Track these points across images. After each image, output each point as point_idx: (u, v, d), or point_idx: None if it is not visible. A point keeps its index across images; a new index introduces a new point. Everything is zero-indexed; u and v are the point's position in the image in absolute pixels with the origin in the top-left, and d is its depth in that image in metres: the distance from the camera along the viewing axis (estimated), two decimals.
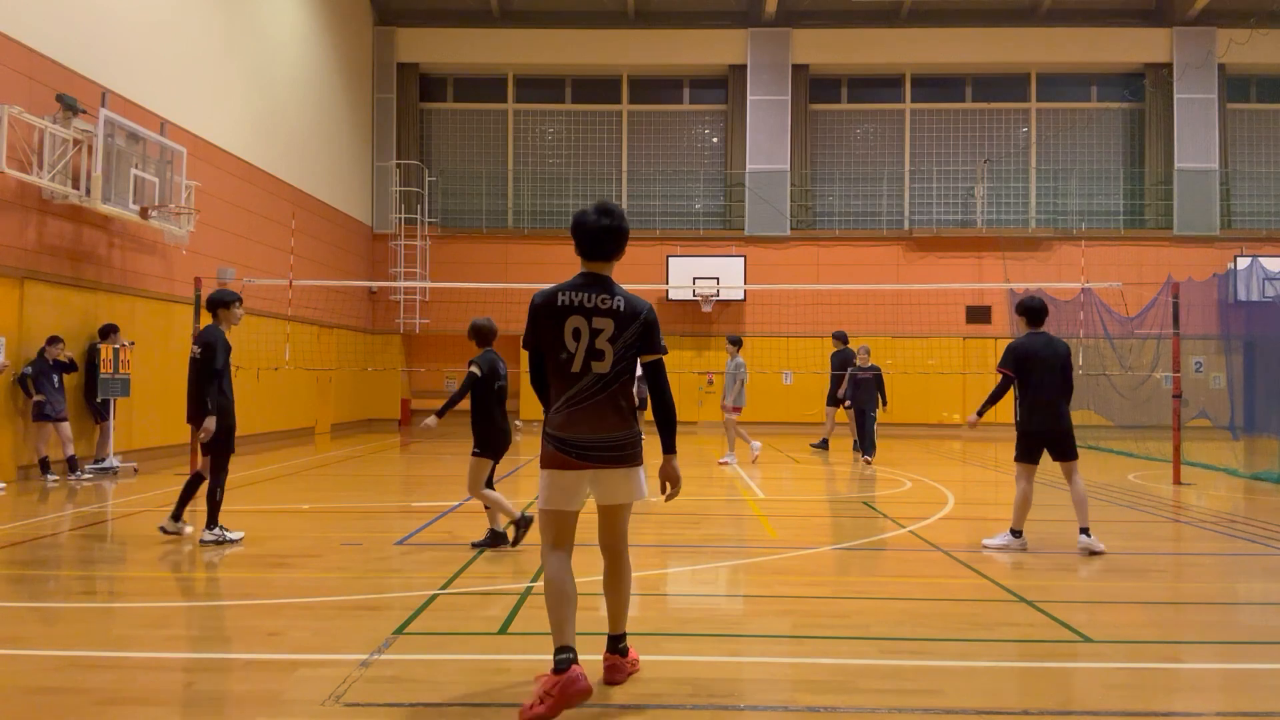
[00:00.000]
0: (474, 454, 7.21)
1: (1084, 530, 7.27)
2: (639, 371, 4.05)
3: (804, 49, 23.80)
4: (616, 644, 4.25)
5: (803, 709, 3.89)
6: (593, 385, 4.00)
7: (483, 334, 7.34)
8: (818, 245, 23.52)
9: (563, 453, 4.01)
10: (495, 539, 7.30)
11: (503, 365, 7.40)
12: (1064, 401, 7.32)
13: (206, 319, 7.83)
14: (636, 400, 4.26)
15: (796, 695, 4.08)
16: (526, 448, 17.53)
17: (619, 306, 4.00)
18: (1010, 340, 7.62)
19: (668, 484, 4.14)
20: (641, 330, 4.02)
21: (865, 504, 10.21)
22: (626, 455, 4.03)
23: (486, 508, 7.41)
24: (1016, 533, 7.41)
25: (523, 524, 7.26)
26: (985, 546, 7.41)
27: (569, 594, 3.99)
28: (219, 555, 7.06)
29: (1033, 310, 7.48)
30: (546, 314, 4.02)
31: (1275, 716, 3.92)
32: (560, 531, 4.07)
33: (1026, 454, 7.42)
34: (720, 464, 14.08)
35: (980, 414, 7.60)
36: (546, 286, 4.14)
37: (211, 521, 7.41)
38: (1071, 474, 7.39)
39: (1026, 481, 7.40)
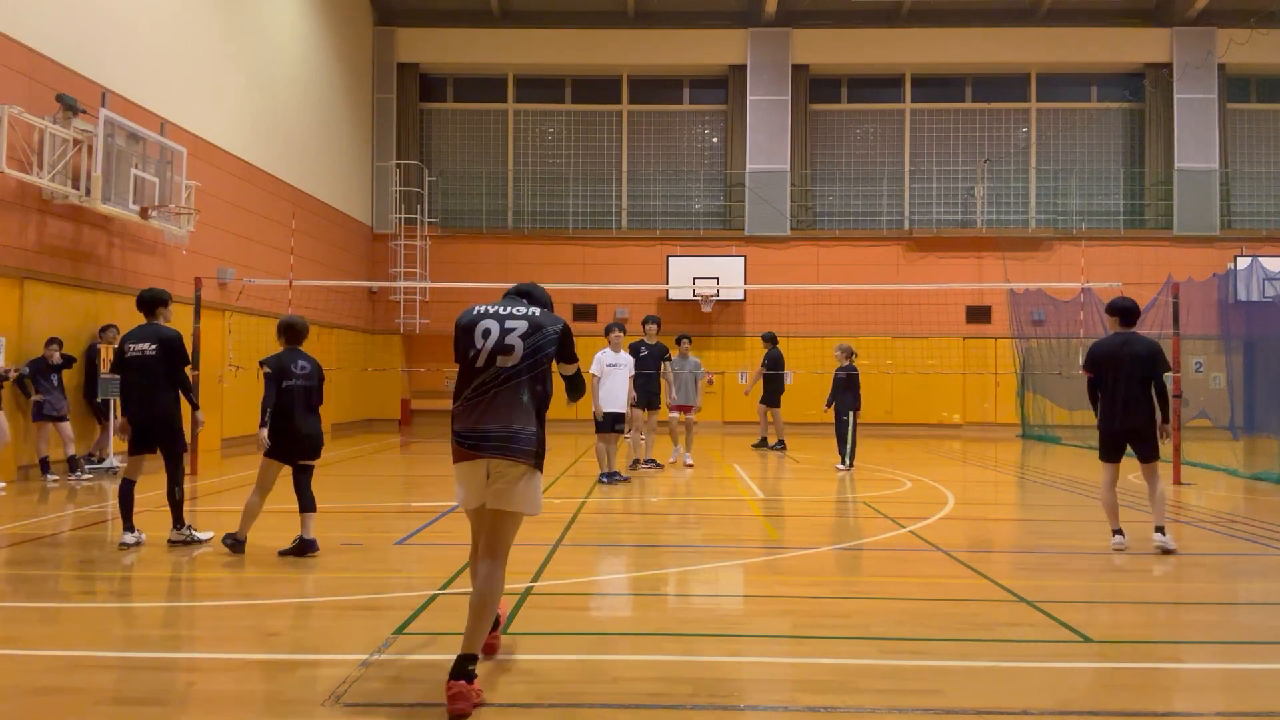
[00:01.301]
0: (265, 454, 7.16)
1: (1159, 529, 7.31)
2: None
3: (804, 49, 23.80)
4: (464, 665, 3.81)
5: (803, 709, 3.89)
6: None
7: (287, 332, 7.26)
8: (818, 245, 23.52)
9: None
10: (302, 547, 6.98)
11: (304, 365, 7.15)
12: (1144, 401, 7.26)
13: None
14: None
15: (796, 695, 4.09)
16: None
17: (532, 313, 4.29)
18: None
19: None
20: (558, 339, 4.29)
21: (865, 504, 10.21)
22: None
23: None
24: (1116, 531, 7.37)
25: (237, 546, 7.05)
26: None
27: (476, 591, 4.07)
28: (221, 553, 7.05)
29: (1122, 310, 7.51)
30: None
31: (1275, 716, 3.92)
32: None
33: (1102, 452, 7.51)
34: (688, 465, 13.94)
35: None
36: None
37: (178, 521, 7.36)
38: (1151, 475, 7.43)
39: (1106, 481, 7.44)
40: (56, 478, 11.37)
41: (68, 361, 11.72)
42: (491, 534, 4.12)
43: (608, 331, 11.71)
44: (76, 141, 11.85)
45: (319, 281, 18.73)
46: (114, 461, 12.16)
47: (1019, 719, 3.79)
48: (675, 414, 14.17)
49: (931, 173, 24.26)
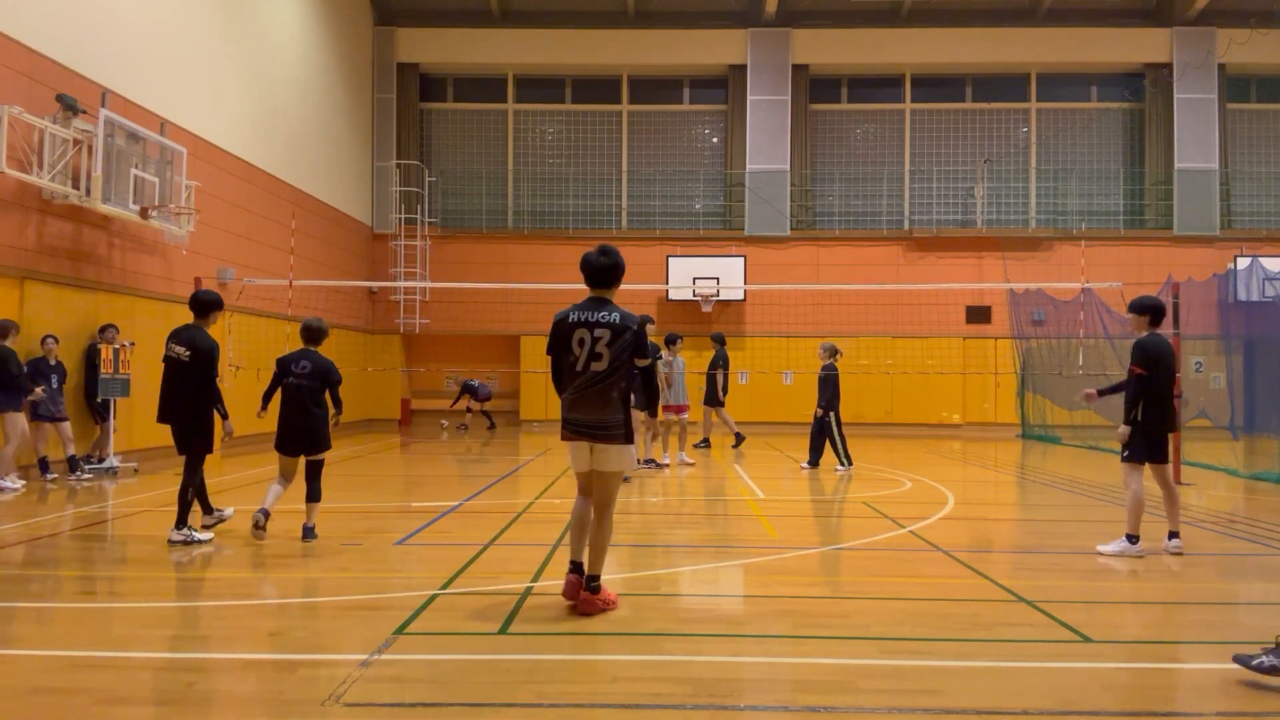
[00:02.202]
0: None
1: (1175, 534, 7.30)
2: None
3: (804, 49, 23.80)
4: (590, 582, 5.34)
5: (803, 709, 3.89)
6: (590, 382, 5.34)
7: (303, 333, 7.75)
8: (818, 245, 23.52)
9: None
10: (304, 533, 7.48)
11: (305, 365, 7.50)
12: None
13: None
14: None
15: (796, 695, 4.08)
16: (527, 447, 17.54)
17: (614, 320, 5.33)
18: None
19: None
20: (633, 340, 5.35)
21: (865, 504, 10.21)
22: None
23: None
24: (1133, 538, 7.24)
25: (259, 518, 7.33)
26: (1100, 553, 7.27)
27: (583, 521, 5.47)
28: (221, 553, 7.06)
29: (1155, 309, 7.34)
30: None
31: (1275, 717, 3.92)
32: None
33: (1152, 454, 7.24)
34: (688, 464, 14.00)
35: (1126, 419, 7.32)
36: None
37: (181, 521, 7.39)
38: (1166, 475, 7.39)
39: (1139, 483, 7.27)
40: (55, 477, 11.36)
41: (59, 368, 11.62)
42: (599, 490, 5.43)
43: None
44: (76, 141, 11.85)
45: (319, 281, 18.73)
46: (114, 461, 12.16)
47: (1019, 719, 3.79)
48: (670, 415, 14.20)
49: (931, 173, 24.26)
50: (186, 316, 7.77)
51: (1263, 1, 20.52)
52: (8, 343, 10.71)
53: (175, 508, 7.44)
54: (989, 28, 23.66)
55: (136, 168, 12.69)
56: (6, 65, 11.15)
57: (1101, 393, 7.78)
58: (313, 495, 7.51)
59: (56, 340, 11.52)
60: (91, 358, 12.23)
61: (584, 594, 5.29)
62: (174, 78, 14.64)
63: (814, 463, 13.68)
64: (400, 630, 4.94)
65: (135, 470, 12.40)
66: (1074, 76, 24.34)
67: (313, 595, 5.84)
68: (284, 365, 7.56)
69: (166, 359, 7.52)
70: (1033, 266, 22.85)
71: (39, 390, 11.05)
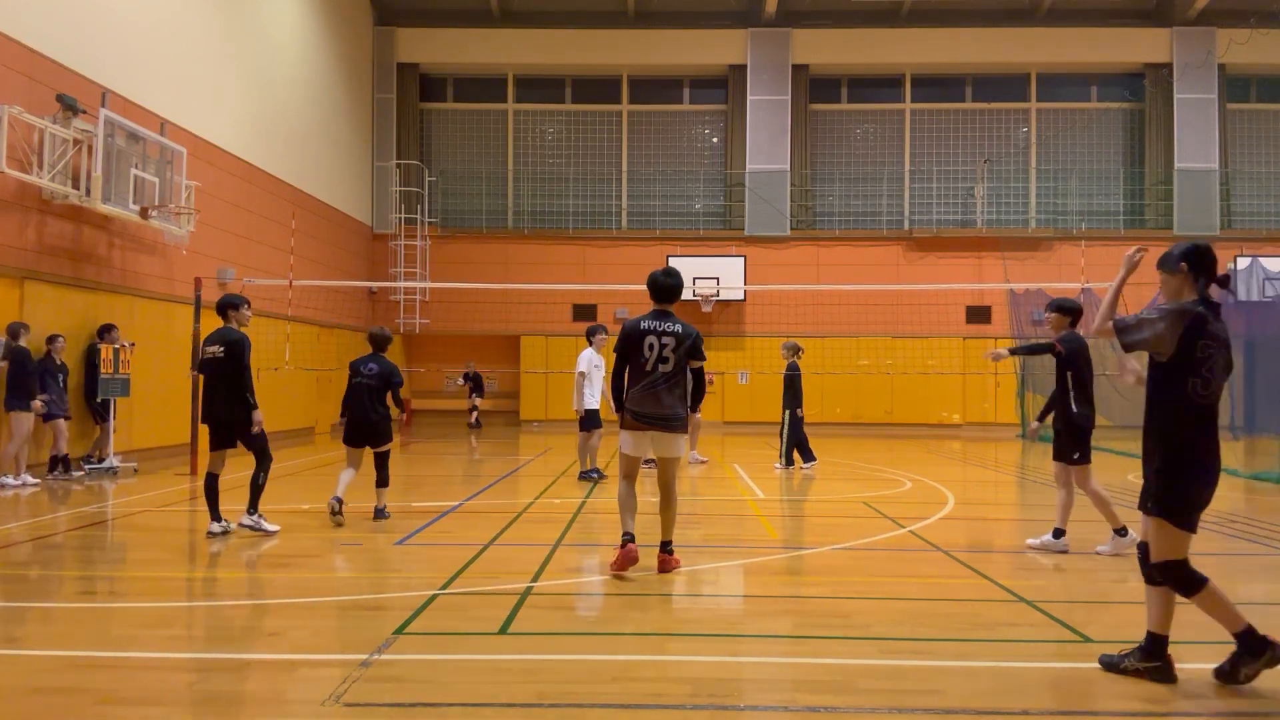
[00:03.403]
0: None
1: (1059, 531, 7.36)
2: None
3: (804, 49, 23.80)
4: (666, 547, 6.48)
5: (803, 709, 3.89)
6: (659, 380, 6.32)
7: (370, 340, 8.87)
8: (818, 245, 23.52)
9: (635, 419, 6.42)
10: (376, 514, 8.64)
11: (372, 367, 8.56)
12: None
13: (208, 319, 7.90)
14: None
15: (796, 695, 4.08)
16: (527, 446, 17.54)
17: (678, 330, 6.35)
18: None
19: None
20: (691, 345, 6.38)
21: (865, 504, 10.21)
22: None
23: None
24: (1121, 530, 7.23)
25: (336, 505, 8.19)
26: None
27: (631, 502, 6.47)
28: (220, 549, 7.05)
29: (1077, 311, 7.40)
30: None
31: (1275, 717, 3.92)
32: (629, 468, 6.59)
33: (1088, 453, 7.30)
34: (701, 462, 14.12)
35: (1041, 416, 7.69)
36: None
37: (253, 506, 7.65)
38: (1069, 476, 7.39)
39: (1094, 481, 7.30)
40: (67, 475, 11.44)
41: (65, 368, 11.66)
42: (665, 471, 6.47)
43: (593, 334, 11.79)
44: (76, 141, 11.85)
45: (319, 281, 18.73)
46: (114, 461, 12.16)
47: (1019, 719, 3.79)
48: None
49: (931, 173, 24.26)
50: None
51: (1263, 1, 20.51)
52: (20, 343, 10.75)
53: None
54: (989, 28, 23.67)
55: (136, 168, 12.69)
56: (6, 65, 11.15)
57: (1013, 351, 7.79)
58: (381, 482, 8.66)
59: (64, 341, 11.56)
60: (91, 358, 12.23)
61: (661, 555, 6.43)
62: (174, 78, 14.63)
63: (789, 461, 13.63)
64: (400, 630, 4.94)
65: (135, 470, 12.40)
66: (1074, 76, 24.34)
67: (313, 595, 5.84)
68: (354, 368, 8.65)
69: (204, 362, 7.76)
70: (1033, 266, 22.85)
71: (38, 403, 11.04)
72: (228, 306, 7.89)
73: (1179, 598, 4.29)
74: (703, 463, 14.20)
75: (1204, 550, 7.64)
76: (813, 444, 13.88)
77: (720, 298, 22.45)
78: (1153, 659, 4.26)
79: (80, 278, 12.50)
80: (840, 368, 20.17)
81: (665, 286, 6.45)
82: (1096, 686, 4.23)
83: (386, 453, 8.72)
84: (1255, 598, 6.30)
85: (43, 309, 11.78)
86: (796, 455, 13.61)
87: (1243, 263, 19.69)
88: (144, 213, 12.81)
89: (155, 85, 14.05)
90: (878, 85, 24.75)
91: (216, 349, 7.66)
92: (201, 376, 7.93)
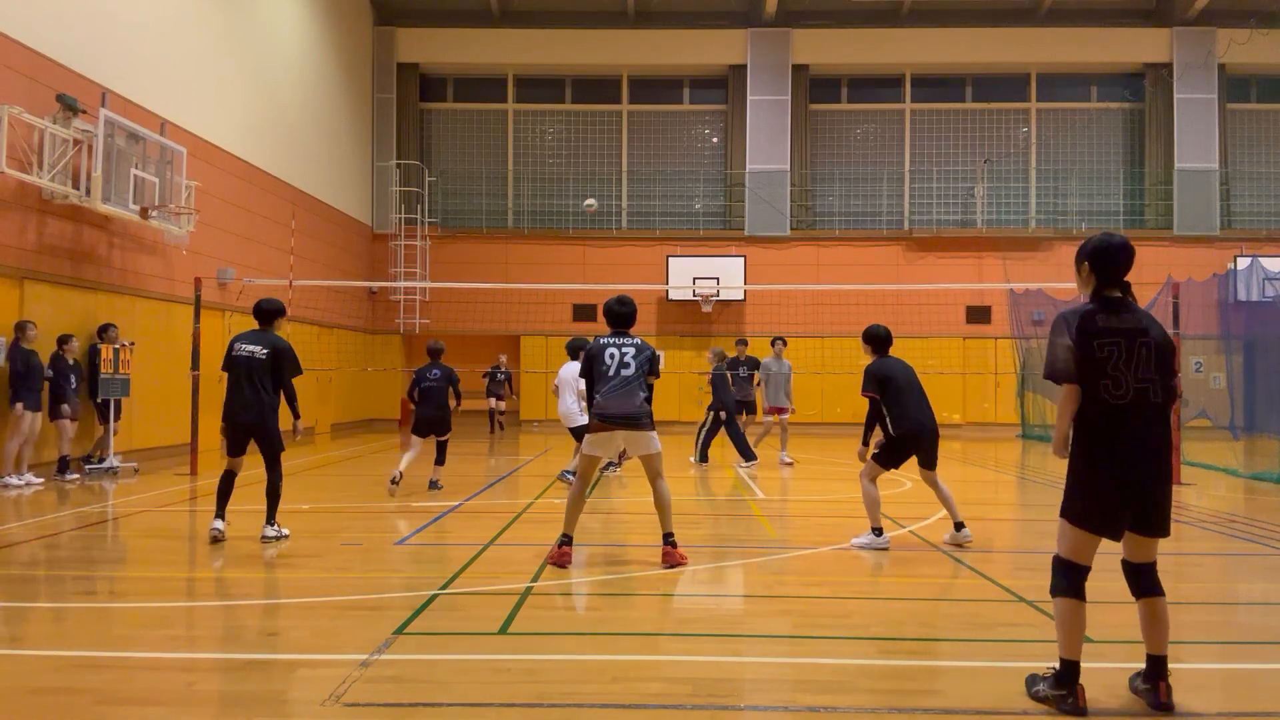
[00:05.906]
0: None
1: (959, 525, 7.61)
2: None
3: (804, 49, 23.80)
4: (668, 539, 6.71)
5: (803, 709, 3.88)
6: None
7: (429, 352, 10.77)
8: (818, 245, 23.52)
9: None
10: (431, 484, 10.77)
11: (435, 373, 10.53)
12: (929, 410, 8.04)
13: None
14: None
15: (796, 695, 4.08)
16: (527, 446, 17.53)
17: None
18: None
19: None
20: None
21: None
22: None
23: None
24: (879, 530, 7.56)
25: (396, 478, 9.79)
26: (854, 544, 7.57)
27: (579, 504, 6.80)
28: (220, 550, 7.05)
29: (880, 340, 8.15)
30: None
31: (1275, 716, 3.92)
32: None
33: (899, 460, 7.84)
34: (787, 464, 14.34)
35: (865, 440, 7.94)
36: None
37: (272, 517, 7.55)
38: (934, 477, 7.90)
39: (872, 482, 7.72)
40: (77, 476, 11.52)
41: (76, 368, 11.74)
42: (648, 467, 6.81)
43: (576, 349, 11.71)
44: (76, 141, 11.85)
45: (319, 281, 18.73)
46: (114, 462, 12.15)
47: (1019, 719, 3.79)
48: (768, 416, 14.52)
49: (931, 173, 24.26)
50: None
51: (1263, 1, 20.51)
52: (25, 344, 10.77)
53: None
54: (989, 28, 23.66)
55: (136, 168, 12.69)
56: (6, 65, 11.15)
57: (866, 443, 7.97)
58: (440, 460, 10.81)
59: (77, 342, 11.61)
60: (92, 358, 12.23)
61: (665, 548, 6.67)
62: (174, 78, 14.64)
63: (748, 457, 13.66)
64: (400, 630, 4.94)
65: (135, 470, 12.40)
66: (1074, 76, 24.34)
67: (313, 595, 5.84)
68: (421, 374, 10.61)
69: (235, 359, 7.47)
70: (1033, 266, 22.85)
71: (67, 414, 11.41)
72: (276, 314, 7.65)
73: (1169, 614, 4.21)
74: (789, 465, 14.24)
75: (1204, 550, 7.66)
76: (813, 443, 13.95)
77: (720, 298, 22.45)
78: (1060, 686, 3.90)
79: (80, 278, 12.50)
80: (840, 368, 20.11)
81: (619, 314, 6.98)
82: (1097, 686, 4.23)
83: (446, 440, 10.76)
84: (1255, 598, 6.30)
85: (43, 309, 11.77)
86: (804, 453, 13.72)
87: (1243, 263, 19.69)
88: (144, 213, 12.81)
89: (155, 85, 14.05)
90: (878, 85, 24.75)
91: (257, 349, 7.43)
92: (226, 376, 7.63)
